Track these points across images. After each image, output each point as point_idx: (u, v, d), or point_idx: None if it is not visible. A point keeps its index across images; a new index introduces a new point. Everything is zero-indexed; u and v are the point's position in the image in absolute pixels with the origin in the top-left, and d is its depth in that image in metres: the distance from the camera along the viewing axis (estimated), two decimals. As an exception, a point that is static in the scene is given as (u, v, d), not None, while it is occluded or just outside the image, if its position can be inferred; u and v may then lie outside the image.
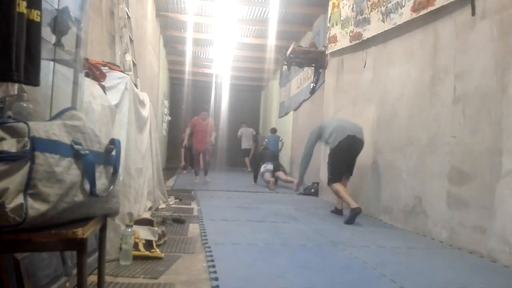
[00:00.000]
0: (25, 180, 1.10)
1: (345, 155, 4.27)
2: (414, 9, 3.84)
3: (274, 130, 11.26)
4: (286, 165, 9.78)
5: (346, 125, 4.36)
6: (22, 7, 1.24)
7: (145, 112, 3.75)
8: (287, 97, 11.18)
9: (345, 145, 4.22)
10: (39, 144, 1.14)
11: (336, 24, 5.81)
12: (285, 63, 8.26)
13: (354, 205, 3.98)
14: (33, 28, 1.31)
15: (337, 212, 4.52)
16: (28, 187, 1.10)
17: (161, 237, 2.79)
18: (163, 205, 4.46)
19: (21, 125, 1.14)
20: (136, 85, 4.01)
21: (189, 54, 11.90)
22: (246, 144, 12.72)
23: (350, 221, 3.96)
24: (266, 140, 10.50)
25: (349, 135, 4.22)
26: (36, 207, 1.11)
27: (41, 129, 1.18)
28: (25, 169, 1.10)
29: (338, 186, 4.20)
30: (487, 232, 2.89)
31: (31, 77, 1.33)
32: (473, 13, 3.17)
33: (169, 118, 12.87)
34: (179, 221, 3.58)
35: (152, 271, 2.19)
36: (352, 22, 5.26)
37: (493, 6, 2.99)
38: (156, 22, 8.94)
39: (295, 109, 10.30)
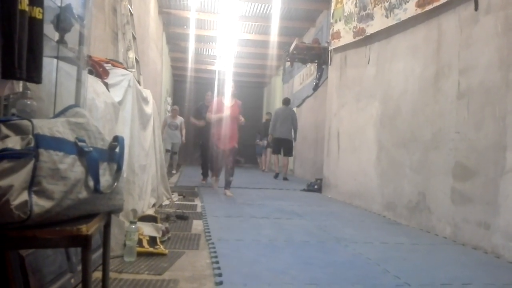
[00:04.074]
0: (30, 177, 1.10)
1: (278, 142, 8.57)
2: (419, 4, 3.81)
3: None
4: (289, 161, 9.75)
5: (279, 129, 8.49)
6: (24, 4, 1.24)
7: (149, 109, 3.75)
8: (290, 94, 11.15)
9: (277, 140, 8.60)
10: (43, 142, 1.15)
11: (340, 20, 5.78)
12: (288, 59, 8.25)
13: (278, 170, 8.67)
14: (35, 25, 1.31)
15: (276, 175, 8.71)
16: (33, 184, 1.10)
17: (165, 234, 2.80)
18: (166, 202, 4.47)
19: (25, 122, 1.14)
20: (139, 82, 4.02)
21: (191, 51, 11.90)
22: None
23: (275, 177, 8.56)
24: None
25: (279, 138, 8.58)
26: (40, 204, 1.11)
27: (45, 126, 1.19)
28: (30, 166, 1.10)
29: (274, 156, 8.93)
30: (491, 228, 2.88)
31: (33, 74, 1.33)
32: (476, 8, 3.16)
33: None
34: (182, 217, 3.59)
35: (156, 267, 2.20)
36: (356, 18, 5.23)
37: (498, 1, 2.96)
38: (158, 19, 8.94)
39: (298, 106, 10.28)
